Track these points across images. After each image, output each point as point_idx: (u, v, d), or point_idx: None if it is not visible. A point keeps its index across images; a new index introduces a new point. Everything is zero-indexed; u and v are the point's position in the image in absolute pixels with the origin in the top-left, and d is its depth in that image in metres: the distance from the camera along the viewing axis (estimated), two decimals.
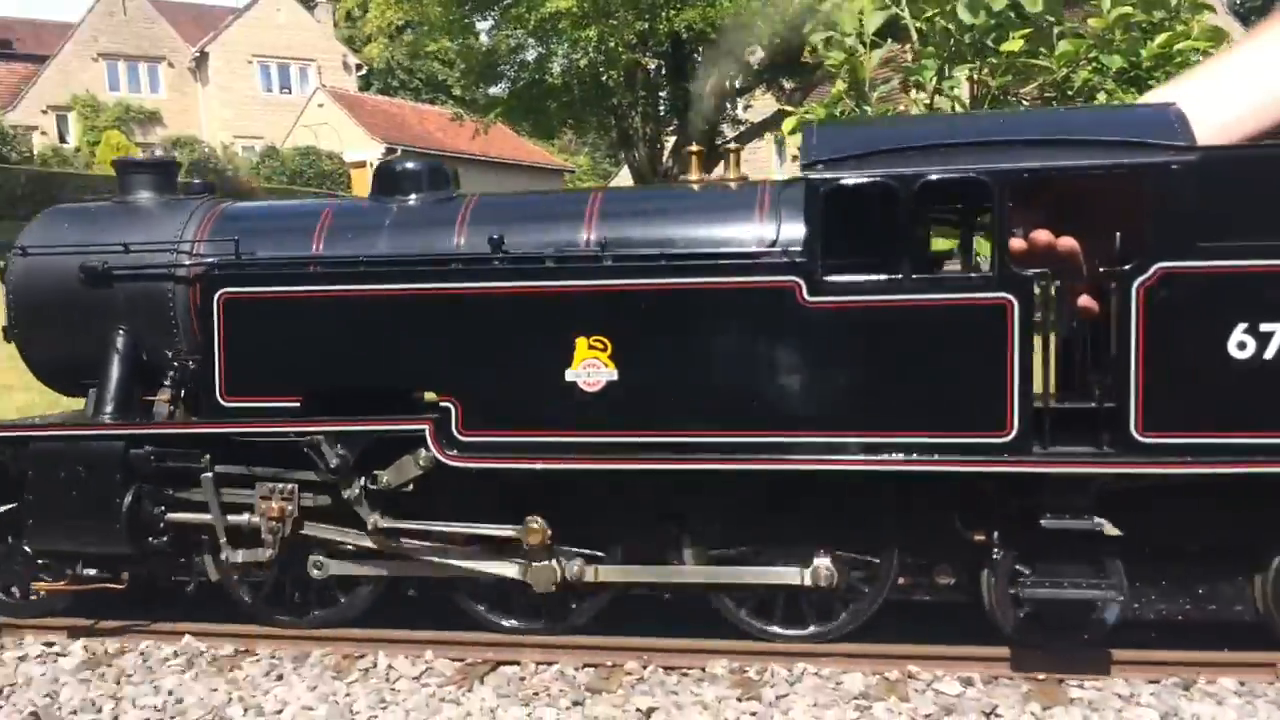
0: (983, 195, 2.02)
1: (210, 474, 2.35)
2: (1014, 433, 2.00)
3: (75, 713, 2.19)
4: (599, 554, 2.35)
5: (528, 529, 2.23)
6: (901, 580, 2.24)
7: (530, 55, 12.67)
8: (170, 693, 2.26)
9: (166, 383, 2.49)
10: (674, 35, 11.37)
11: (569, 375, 2.18)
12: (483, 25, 13.02)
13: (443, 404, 2.24)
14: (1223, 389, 1.93)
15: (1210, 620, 2.19)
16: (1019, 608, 2.10)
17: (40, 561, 2.54)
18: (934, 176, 2.04)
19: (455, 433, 2.23)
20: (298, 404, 2.32)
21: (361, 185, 30.79)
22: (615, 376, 2.16)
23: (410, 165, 2.60)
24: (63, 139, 26.56)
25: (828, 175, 2.07)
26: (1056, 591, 2.05)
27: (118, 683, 2.33)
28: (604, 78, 12.06)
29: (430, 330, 2.25)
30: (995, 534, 2.10)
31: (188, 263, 2.46)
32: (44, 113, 26.63)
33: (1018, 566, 2.11)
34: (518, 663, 2.31)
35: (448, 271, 2.28)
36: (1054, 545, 2.07)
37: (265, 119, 29.80)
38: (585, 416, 2.17)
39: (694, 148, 2.52)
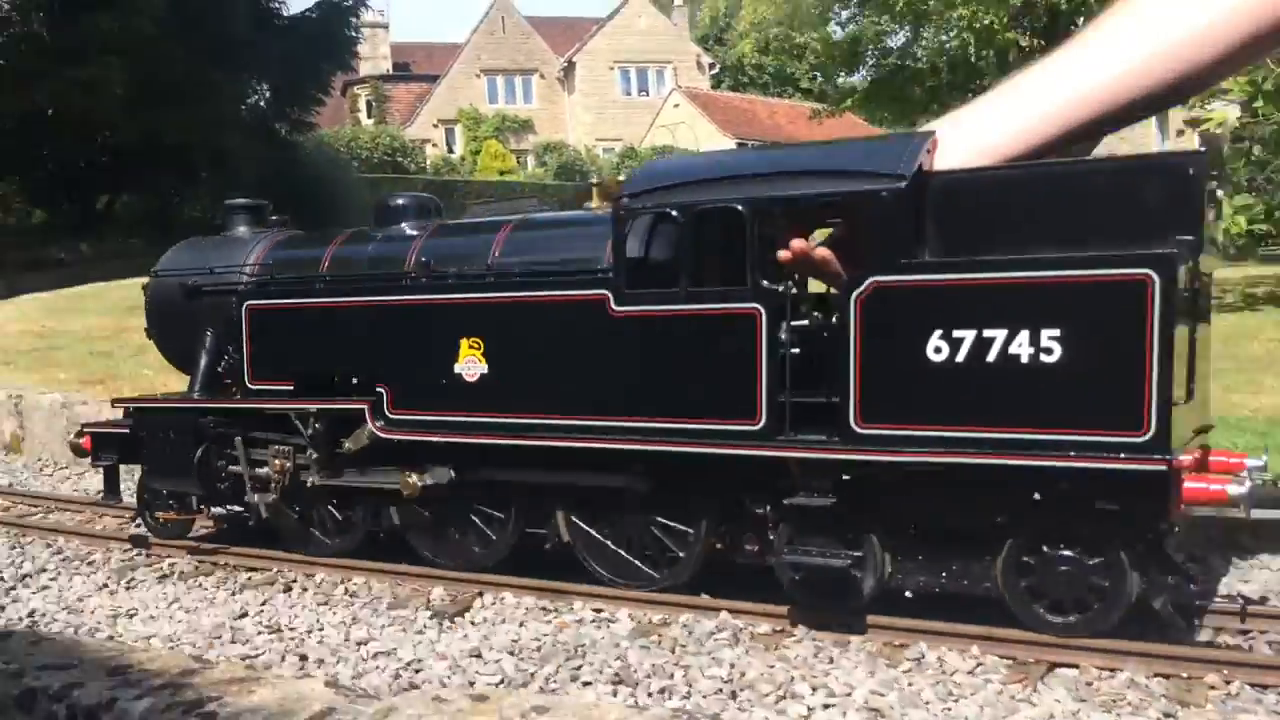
0: (739, 220, 2.34)
1: (240, 437, 3.13)
2: (762, 422, 2.31)
3: (649, 676, 2.20)
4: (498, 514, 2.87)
5: (403, 480, 2.81)
6: (719, 545, 2.58)
7: (896, 40, 12.71)
8: (732, 665, 2.25)
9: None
10: (1052, 8, 10.92)
11: (456, 369, 2.74)
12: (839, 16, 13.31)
13: (378, 389, 2.86)
14: (924, 387, 2.15)
15: (964, 593, 2.33)
16: (795, 572, 2.39)
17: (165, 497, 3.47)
18: (704, 206, 2.39)
19: (387, 412, 2.85)
20: (291, 387, 3.04)
21: None
22: (486, 370, 2.69)
23: (400, 200, 3.26)
24: (450, 149, 30.05)
25: (627, 206, 2.47)
26: (806, 559, 2.33)
27: (673, 651, 2.33)
28: (976, 58, 11.63)
29: (369, 331, 2.89)
30: (768, 508, 2.40)
31: (243, 282, 3.26)
32: (435, 126, 30.30)
33: (792, 538, 2.39)
34: (1076, 666, 2.16)
35: (374, 287, 2.92)
36: (816, 521, 2.34)
37: (624, 121, 31.87)
38: (467, 401, 2.72)
39: (594, 180, 2.95)
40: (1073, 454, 2.00)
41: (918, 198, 2.17)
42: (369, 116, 30.09)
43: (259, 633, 2.49)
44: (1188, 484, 1.99)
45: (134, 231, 18.25)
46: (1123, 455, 1.96)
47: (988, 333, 2.07)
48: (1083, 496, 2.05)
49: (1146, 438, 1.94)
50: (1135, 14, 1.82)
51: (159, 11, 17.98)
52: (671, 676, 2.21)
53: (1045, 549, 2.19)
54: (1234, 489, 1.96)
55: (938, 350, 2.12)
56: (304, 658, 2.25)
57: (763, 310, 2.29)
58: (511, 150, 28.36)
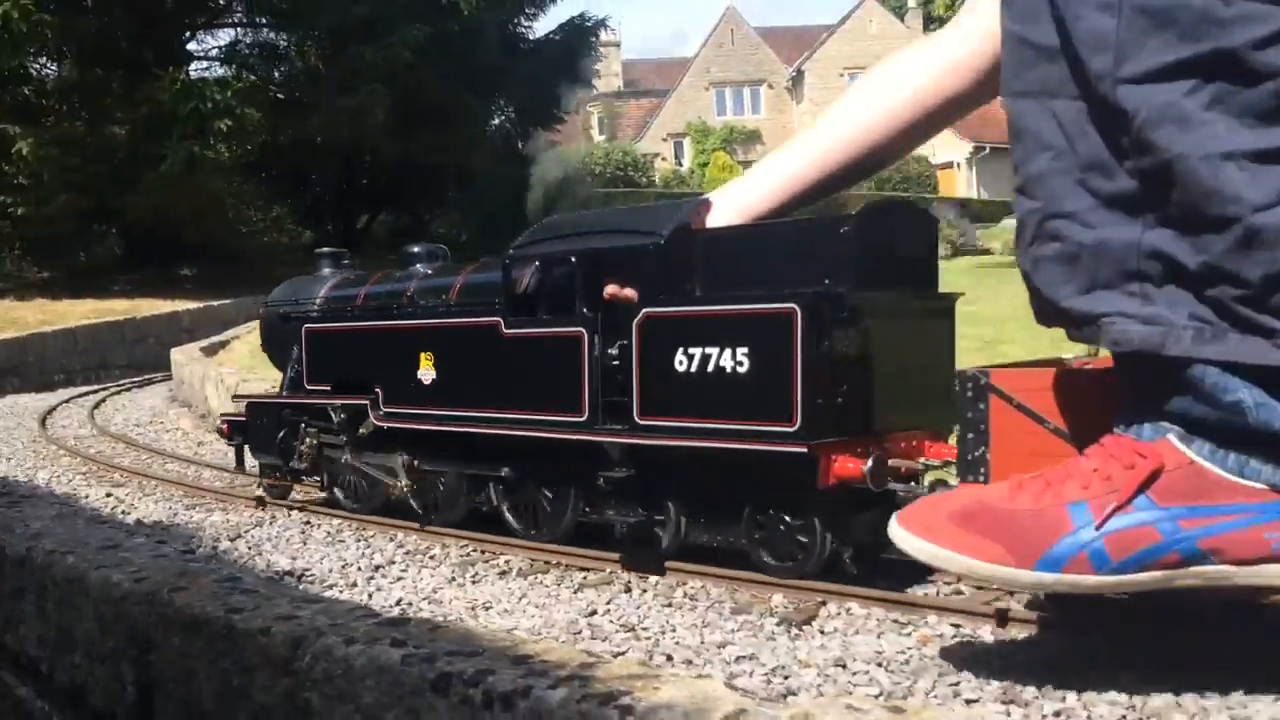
0: (570, 266, 3.15)
1: (302, 424, 4.21)
2: (586, 415, 3.10)
3: (1038, 697, 1.91)
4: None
5: (396, 461, 3.76)
6: (587, 509, 3.36)
7: None
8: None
9: None
10: None
11: (419, 374, 3.68)
12: None
13: (376, 389, 3.85)
14: (674, 389, 2.88)
15: (732, 547, 2.99)
16: (617, 529, 3.15)
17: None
18: (552, 255, 3.21)
19: (381, 406, 3.83)
20: (329, 388, 4.08)
21: (949, 185, 31.09)
22: (434, 375, 3.62)
23: (415, 249, 4.24)
24: (679, 162, 31.43)
25: (512, 256, 3.33)
26: (622, 519, 3.09)
27: (1053, 671, 2.04)
28: None
29: (371, 348, 3.88)
30: (601, 481, 3.18)
31: (310, 312, 4.36)
32: (664, 140, 31.88)
33: (614, 504, 3.16)
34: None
35: (374, 314, 3.90)
36: (628, 490, 3.10)
37: None
38: (424, 400, 3.65)
39: None
40: (757, 440, 2.68)
41: (681, 249, 2.89)
42: (601, 133, 31.96)
43: (615, 631, 2.46)
44: (836, 463, 2.61)
45: (391, 248, 20.25)
46: (780, 440, 2.62)
47: (708, 350, 2.77)
48: (771, 472, 2.71)
49: (795, 428, 2.59)
50: (846, 100, 2.57)
51: (418, 42, 19.71)
52: (1064, 699, 1.93)
53: (771, 512, 2.85)
54: (866, 467, 2.58)
55: (681, 362, 2.84)
56: (669, 657, 2.20)
57: (585, 332, 3.08)
58: (739, 161, 29.36)
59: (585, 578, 3.10)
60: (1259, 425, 1.64)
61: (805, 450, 2.60)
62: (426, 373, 3.66)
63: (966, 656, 2.13)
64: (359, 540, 3.66)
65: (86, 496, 4.76)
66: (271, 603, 1.37)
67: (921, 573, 2.62)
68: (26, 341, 11.77)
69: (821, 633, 2.38)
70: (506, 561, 3.23)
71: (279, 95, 20.04)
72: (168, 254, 18.00)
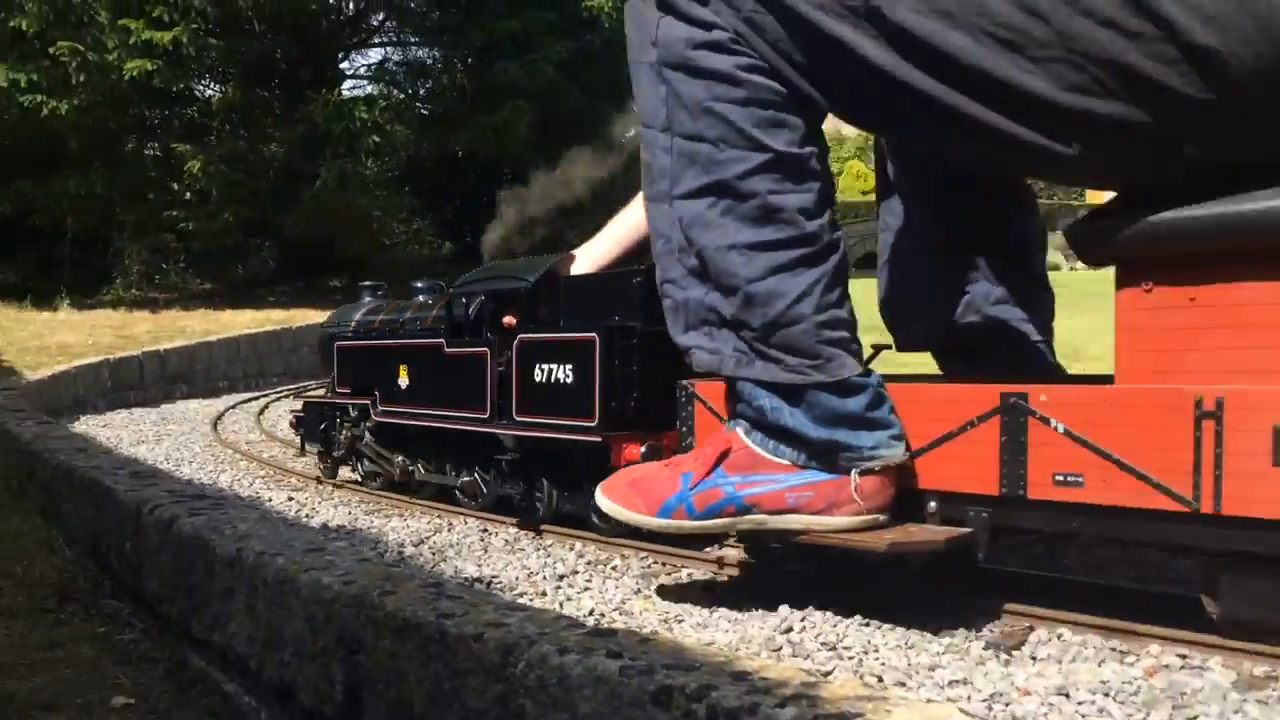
0: (480, 300, 4.27)
1: (336, 418, 5.49)
2: (488, 414, 4.22)
3: None
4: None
5: (391, 456, 4.96)
6: (496, 484, 4.46)
7: None
8: None
9: None
10: None
11: (399, 382, 4.87)
12: None
13: (375, 392, 5.07)
14: (536, 393, 3.96)
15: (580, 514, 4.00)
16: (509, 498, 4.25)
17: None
18: (472, 293, 4.34)
19: (379, 405, 5.05)
20: (350, 391, 5.34)
21: (1097, 193, 30.30)
22: (408, 382, 4.80)
23: (419, 285, 5.43)
24: None
25: (451, 293, 4.48)
26: (508, 491, 4.20)
27: None
28: None
29: (372, 360, 5.10)
30: (503, 464, 4.28)
31: (347, 331, 5.63)
32: None
33: (506, 480, 4.25)
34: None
35: (372, 335, 5.12)
36: (515, 470, 4.20)
37: None
38: (403, 403, 4.84)
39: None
40: (575, 432, 3.73)
41: (545, 290, 3.97)
42: None
43: (817, 649, 2.35)
44: (625, 450, 3.63)
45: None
46: (587, 433, 3.66)
47: (552, 365, 3.83)
48: (589, 455, 3.76)
49: (595, 424, 3.62)
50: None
51: (561, 57, 20.55)
52: None
53: (586, 485, 3.87)
54: (641, 452, 3.59)
55: (539, 374, 3.91)
56: (880, 679, 2.11)
57: (488, 351, 4.19)
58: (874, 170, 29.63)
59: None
60: (775, 422, 2.59)
61: (601, 440, 3.63)
62: (404, 381, 4.84)
63: (1199, 689, 2.00)
64: (538, 549, 3.75)
65: (269, 500, 4.92)
66: (478, 609, 1.40)
67: (1140, 601, 2.54)
68: (194, 350, 12.95)
69: (1033, 659, 2.26)
70: (689, 574, 3.17)
71: (424, 111, 21.46)
72: (319, 266, 19.75)
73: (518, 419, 4.06)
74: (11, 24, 15.80)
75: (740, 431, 2.54)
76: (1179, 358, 2.17)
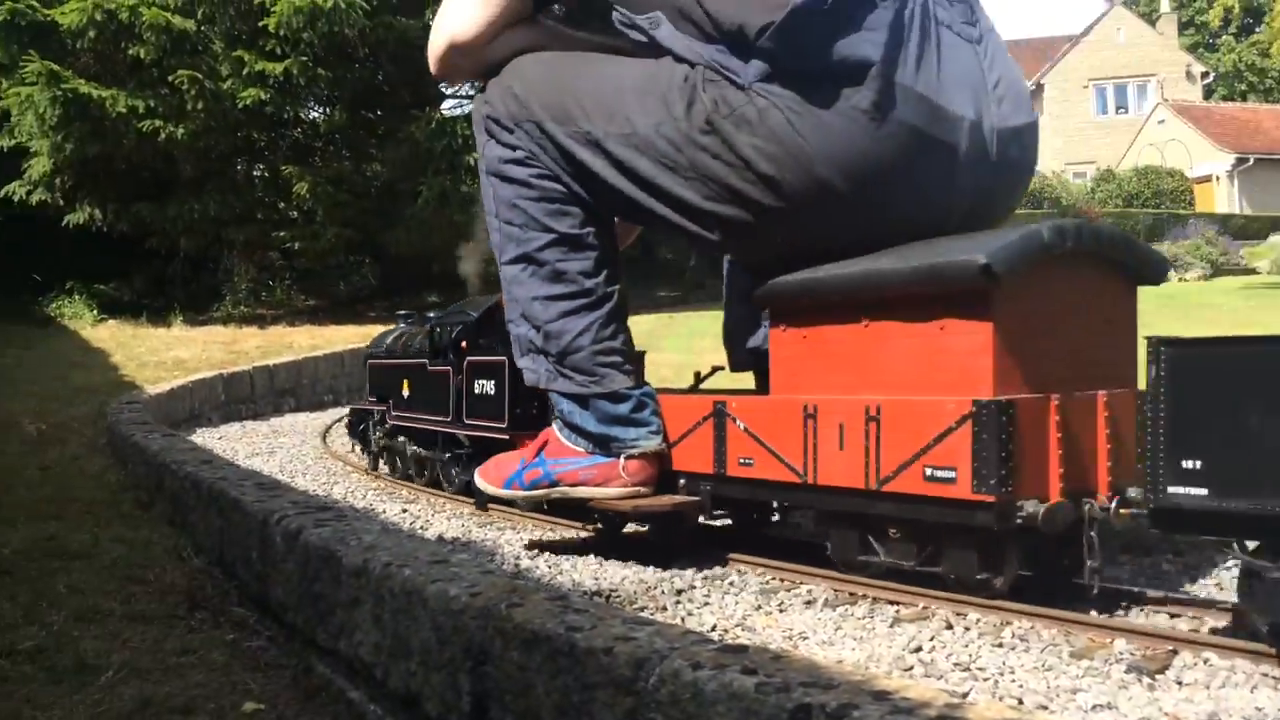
0: (448, 329, 5.73)
1: (371, 422, 7.00)
2: (451, 418, 5.66)
3: None
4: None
5: (404, 445, 6.43)
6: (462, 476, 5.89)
7: None
8: None
9: None
10: None
11: (402, 392, 6.34)
12: None
13: (389, 400, 6.56)
14: (476, 403, 5.36)
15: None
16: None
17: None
18: (444, 325, 5.79)
19: (391, 411, 6.54)
20: (375, 399, 6.85)
21: (1207, 200, 28.97)
22: (409, 393, 6.28)
23: (430, 316, 6.89)
24: None
25: (431, 324, 5.95)
26: (464, 478, 5.63)
27: None
28: None
29: (390, 374, 6.60)
30: (463, 457, 5.72)
31: (380, 351, 7.13)
32: None
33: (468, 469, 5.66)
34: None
35: (385, 354, 6.61)
36: (470, 460, 5.62)
37: (1097, 142, 31.40)
38: (405, 410, 6.30)
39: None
40: (495, 432, 5.10)
41: (488, 323, 5.38)
42: None
43: (950, 670, 2.33)
44: (525, 445, 5.00)
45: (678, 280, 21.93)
46: (500, 432, 5.03)
47: (483, 381, 5.22)
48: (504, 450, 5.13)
49: (505, 425, 4.98)
50: None
51: None
52: None
53: None
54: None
55: (477, 388, 5.31)
56: (1020, 701, 2.16)
57: (451, 369, 5.62)
58: None
59: (899, 611, 2.77)
60: (571, 421, 3.94)
61: (509, 438, 4.98)
62: (405, 392, 6.29)
63: None
64: (649, 564, 3.43)
65: (384, 512, 4.93)
66: (605, 622, 1.36)
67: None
68: (301, 365, 13.06)
69: (1179, 684, 2.16)
70: (809, 591, 3.05)
71: None
72: (417, 283, 19.90)
73: (466, 422, 5.43)
74: (130, 52, 16.07)
75: (555, 427, 3.11)
76: (798, 378, 2.63)
